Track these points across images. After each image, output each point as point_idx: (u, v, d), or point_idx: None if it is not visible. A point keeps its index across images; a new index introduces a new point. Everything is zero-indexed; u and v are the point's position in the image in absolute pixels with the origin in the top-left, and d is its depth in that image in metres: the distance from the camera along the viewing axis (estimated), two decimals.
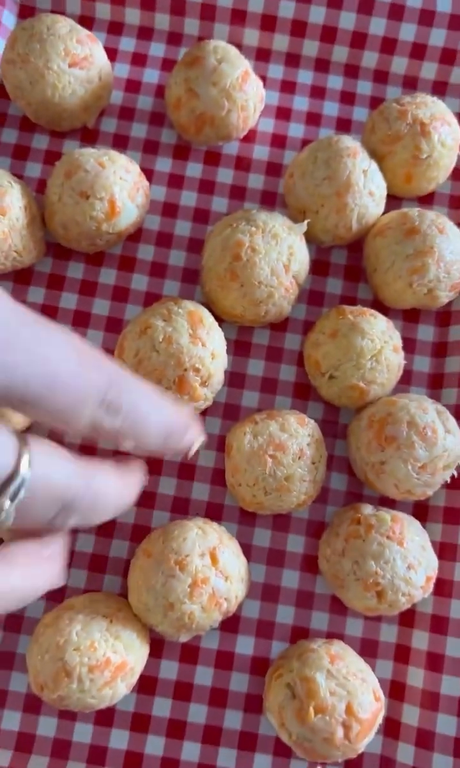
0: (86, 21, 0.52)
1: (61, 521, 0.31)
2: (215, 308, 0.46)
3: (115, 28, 0.52)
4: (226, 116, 0.47)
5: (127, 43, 0.52)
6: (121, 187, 0.44)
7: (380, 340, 0.44)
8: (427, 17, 0.51)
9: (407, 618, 0.45)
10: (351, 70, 0.53)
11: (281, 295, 0.44)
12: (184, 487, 0.46)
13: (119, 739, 0.42)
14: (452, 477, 0.44)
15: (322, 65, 0.53)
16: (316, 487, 0.43)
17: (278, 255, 0.43)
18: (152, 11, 0.52)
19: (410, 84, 0.53)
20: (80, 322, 0.47)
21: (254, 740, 0.43)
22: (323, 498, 0.46)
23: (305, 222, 0.45)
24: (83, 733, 0.42)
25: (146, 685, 0.43)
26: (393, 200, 0.50)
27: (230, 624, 0.44)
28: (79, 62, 0.46)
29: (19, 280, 0.48)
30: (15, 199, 0.43)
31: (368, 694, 0.39)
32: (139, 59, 0.52)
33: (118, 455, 0.35)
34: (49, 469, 0.29)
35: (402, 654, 0.44)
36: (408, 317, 0.49)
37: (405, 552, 0.41)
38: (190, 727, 0.43)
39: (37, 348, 0.29)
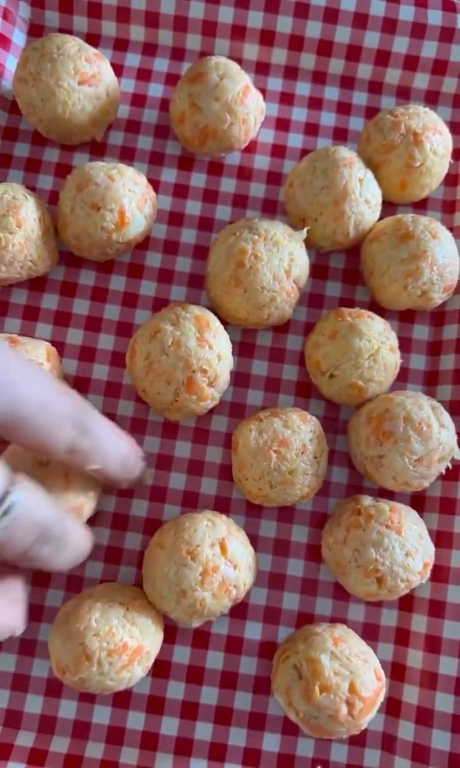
0: (93, 38, 0.54)
1: (36, 550, 0.34)
2: (221, 312, 0.48)
3: (121, 45, 0.54)
4: (228, 129, 0.49)
5: (133, 59, 0.54)
6: (130, 198, 0.46)
7: (377, 341, 0.46)
8: (418, 30, 0.53)
9: (406, 603, 0.46)
10: (347, 82, 0.55)
11: (282, 299, 0.46)
12: (193, 482, 0.48)
13: (136, 720, 0.44)
14: (447, 469, 0.45)
15: (319, 77, 0.55)
16: (318, 480, 0.45)
17: (280, 261, 0.45)
18: (156, 28, 0.54)
19: (404, 94, 0.55)
20: (92, 326, 0.49)
21: (263, 720, 0.45)
22: (325, 490, 0.48)
23: (305, 229, 0.47)
24: (102, 715, 0.44)
25: (161, 669, 0.45)
26: (389, 206, 0.52)
27: (239, 610, 0.46)
28: (87, 80, 0.48)
29: (34, 287, 0.50)
30: (30, 211, 0.45)
31: (370, 673, 0.41)
32: (144, 74, 0.54)
33: None
34: (32, 500, 0.33)
35: (402, 637, 0.46)
36: (404, 318, 0.51)
37: (403, 540, 0.42)
38: (203, 708, 0.45)
39: (31, 376, 0.34)
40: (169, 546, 0.41)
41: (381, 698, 0.42)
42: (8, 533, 0.32)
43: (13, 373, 0.33)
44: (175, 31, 0.54)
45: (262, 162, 0.53)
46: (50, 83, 0.47)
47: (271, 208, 0.53)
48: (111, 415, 0.48)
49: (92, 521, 0.45)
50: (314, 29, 0.53)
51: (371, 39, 0.53)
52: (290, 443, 0.44)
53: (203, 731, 0.45)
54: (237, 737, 0.45)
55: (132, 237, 0.47)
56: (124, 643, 0.40)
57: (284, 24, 0.53)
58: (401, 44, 0.53)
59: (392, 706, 0.45)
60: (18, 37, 0.53)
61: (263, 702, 0.45)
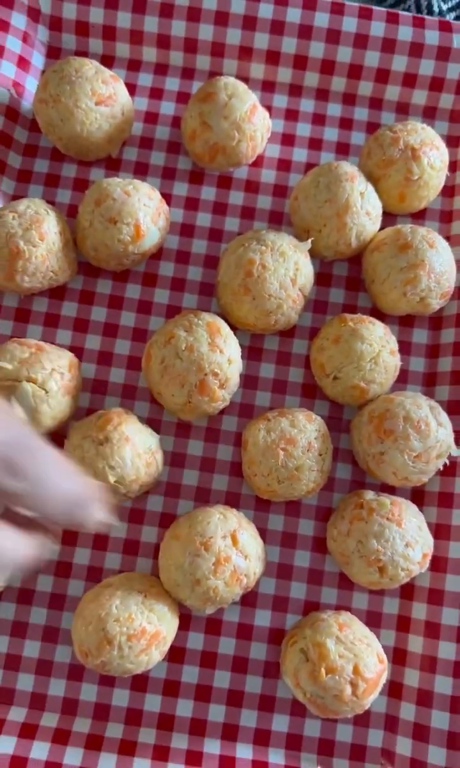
0: (108, 60, 0.57)
1: None
2: (230, 318, 0.50)
3: (134, 65, 0.57)
4: (236, 146, 0.51)
5: (145, 79, 0.57)
6: (144, 212, 0.48)
7: (378, 344, 0.48)
8: (416, 49, 0.55)
9: (407, 591, 0.49)
10: (349, 99, 0.57)
11: (288, 306, 0.48)
12: (205, 478, 0.50)
13: (153, 703, 0.47)
14: (445, 465, 0.48)
15: (322, 95, 0.57)
16: (323, 476, 0.47)
17: (286, 270, 0.48)
18: (167, 49, 0.56)
19: (403, 109, 0.57)
20: (109, 332, 0.52)
21: (272, 702, 0.47)
22: (329, 486, 0.50)
23: (309, 240, 0.50)
24: (121, 698, 0.47)
25: (176, 654, 0.47)
26: (389, 217, 0.54)
27: (249, 599, 0.48)
28: (104, 100, 0.50)
29: (55, 296, 0.52)
30: (51, 225, 0.48)
31: (373, 656, 0.43)
32: (156, 93, 0.57)
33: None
34: None
35: (403, 623, 0.48)
36: (404, 322, 0.53)
37: (403, 532, 0.45)
38: (216, 691, 0.47)
39: None
40: (184, 538, 0.44)
41: (383, 680, 0.44)
42: None
43: None
44: (186, 52, 0.56)
45: (268, 176, 0.56)
46: (69, 104, 0.49)
47: (277, 220, 0.55)
48: None
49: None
50: (317, 49, 0.55)
51: (372, 58, 0.55)
52: (296, 441, 0.46)
53: (216, 713, 0.47)
54: (248, 718, 0.47)
55: (147, 248, 0.50)
56: (142, 628, 0.42)
57: (289, 45, 0.55)
58: (399, 63, 0.55)
59: (394, 689, 0.47)
60: (37, 59, 0.56)
61: (273, 685, 0.47)
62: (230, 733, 0.46)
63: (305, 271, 0.49)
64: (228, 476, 0.50)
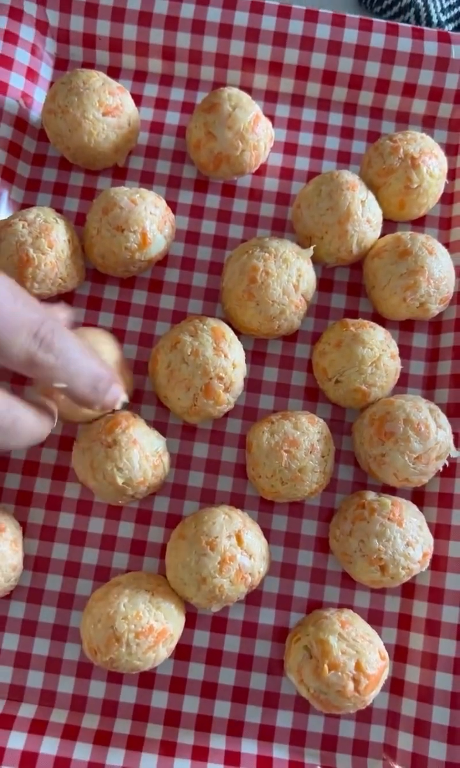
0: (114, 71, 0.58)
1: None
2: (234, 324, 0.51)
3: (140, 76, 0.58)
4: (240, 155, 0.52)
5: (151, 89, 0.58)
6: (151, 221, 0.49)
7: (379, 349, 0.49)
8: (415, 60, 0.56)
9: (408, 590, 0.49)
10: (350, 108, 0.58)
11: (291, 311, 0.49)
12: (210, 479, 0.51)
13: (160, 699, 0.47)
14: (444, 466, 0.48)
15: (324, 104, 0.58)
16: (326, 477, 0.48)
17: (289, 277, 0.49)
18: (172, 61, 0.57)
19: (403, 119, 0.58)
20: (116, 337, 0.52)
21: (276, 698, 0.48)
22: (331, 487, 0.51)
23: (312, 247, 0.50)
24: (129, 694, 0.47)
25: (182, 652, 0.48)
26: (389, 224, 0.55)
27: (254, 598, 0.49)
28: (111, 111, 0.51)
29: (63, 302, 0.53)
30: (60, 233, 0.49)
31: (375, 653, 0.44)
32: (161, 103, 0.58)
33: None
34: None
35: (404, 621, 0.49)
36: (404, 327, 0.54)
37: (404, 531, 0.45)
38: (221, 687, 0.48)
39: None
40: (190, 537, 0.45)
41: (385, 676, 0.45)
42: None
43: None
44: (191, 63, 0.58)
45: (271, 184, 0.57)
46: (77, 115, 0.51)
47: (280, 227, 0.56)
48: None
49: None
50: (318, 60, 0.57)
51: (372, 68, 0.57)
52: (299, 443, 0.47)
53: (222, 709, 0.48)
54: (253, 714, 0.48)
55: (153, 255, 0.51)
56: (150, 626, 0.43)
57: (291, 56, 0.56)
58: (399, 73, 0.57)
59: (395, 685, 0.48)
60: (45, 71, 0.57)
61: (277, 682, 0.48)
62: (235, 728, 0.47)
63: (308, 277, 0.50)
64: (233, 478, 0.51)
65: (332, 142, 0.58)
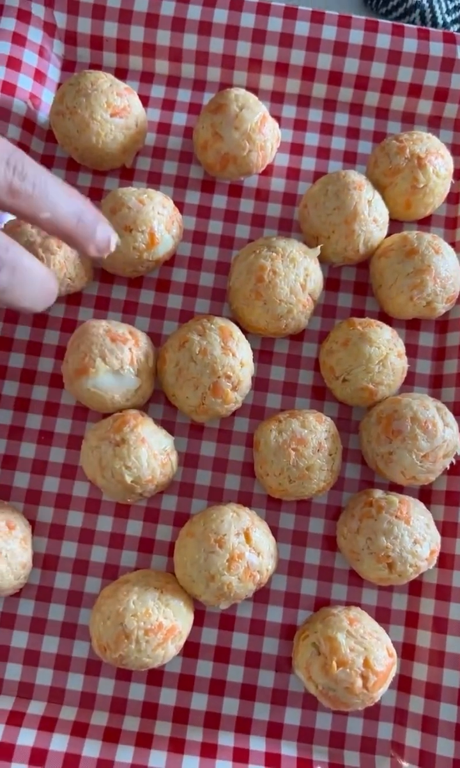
0: (121, 72, 0.58)
1: None
2: (242, 323, 0.51)
3: (147, 77, 0.59)
4: (247, 156, 0.53)
5: (158, 90, 0.58)
6: (158, 221, 0.50)
7: (386, 347, 0.49)
8: (421, 60, 0.56)
9: (416, 587, 0.50)
10: (356, 109, 0.59)
11: (299, 310, 0.49)
12: (218, 478, 0.51)
13: (168, 696, 0.48)
14: (452, 464, 0.49)
15: (330, 105, 0.59)
16: (333, 475, 0.48)
17: (296, 276, 0.49)
18: (179, 62, 0.58)
19: (409, 119, 0.59)
20: None
21: (284, 696, 0.48)
22: (339, 485, 0.51)
23: (319, 246, 0.51)
24: (138, 692, 0.48)
25: (191, 649, 0.48)
26: (395, 224, 0.55)
27: (262, 595, 0.49)
28: (118, 112, 0.52)
29: (71, 302, 0.54)
30: None
31: (383, 650, 0.44)
32: (168, 104, 0.58)
33: None
34: None
35: (412, 619, 0.49)
36: (410, 326, 0.55)
37: (411, 529, 0.46)
38: (229, 685, 0.48)
39: None
40: (199, 535, 0.45)
41: (393, 673, 0.45)
42: None
43: None
44: (197, 65, 0.58)
45: (278, 184, 0.57)
46: (85, 116, 0.51)
47: (286, 227, 0.56)
48: None
49: None
50: (324, 61, 0.57)
51: (378, 69, 0.57)
52: (307, 442, 0.47)
53: (230, 706, 0.48)
54: (261, 711, 0.48)
55: (161, 255, 0.51)
56: (159, 623, 0.43)
57: (297, 57, 0.57)
58: (405, 74, 0.57)
59: (403, 683, 0.48)
60: (53, 72, 0.58)
61: (285, 679, 0.48)
62: (243, 726, 0.48)
63: (315, 277, 0.50)
64: (240, 476, 0.51)
65: (339, 143, 0.58)
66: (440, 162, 0.52)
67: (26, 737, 0.45)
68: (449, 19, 0.62)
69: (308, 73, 0.58)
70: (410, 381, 0.53)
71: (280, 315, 0.49)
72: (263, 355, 0.54)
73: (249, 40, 0.57)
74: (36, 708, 0.47)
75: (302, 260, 0.49)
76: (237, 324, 0.50)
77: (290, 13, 0.56)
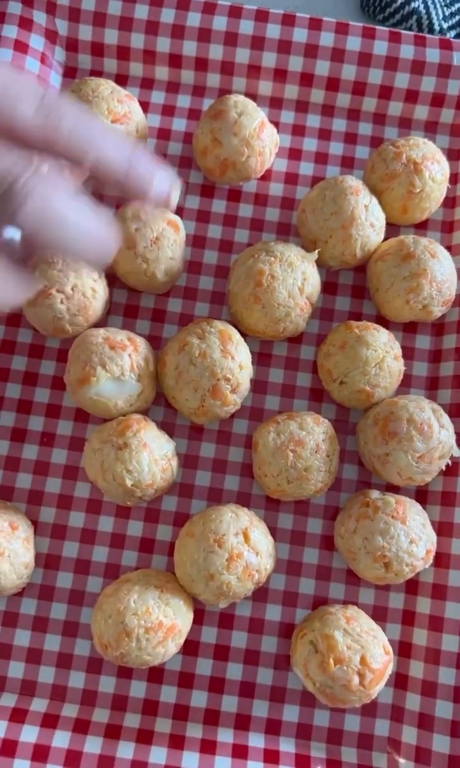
0: (122, 78, 0.59)
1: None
2: (241, 326, 0.52)
3: (147, 84, 0.59)
4: (246, 161, 0.53)
5: (158, 96, 0.59)
6: None
7: (383, 350, 0.49)
8: (418, 67, 0.57)
9: (412, 586, 0.50)
10: (353, 114, 0.59)
11: (296, 314, 0.50)
12: (217, 479, 0.52)
13: (169, 694, 0.48)
14: (447, 465, 0.49)
15: (328, 110, 0.59)
16: (331, 476, 0.49)
17: (294, 280, 0.49)
18: (179, 68, 0.58)
19: (405, 124, 0.59)
20: None
21: (283, 693, 0.49)
22: (336, 486, 0.52)
23: (316, 251, 0.51)
24: (138, 689, 0.48)
25: (190, 647, 0.49)
26: (392, 228, 0.56)
27: (260, 594, 0.50)
28: (120, 119, 0.52)
29: None
30: None
31: (379, 648, 0.45)
32: (168, 110, 0.59)
33: None
34: None
35: (408, 617, 0.50)
36: (407, 329, 0.55)
37: (407, 529, 0.46)
38: (228, 682, 0.49)
39: None
40: (198, 535, 0.46)
41: (389, 671, 0.46)
42: None
43: None
44: (197, 71, 0.58)
45: (276, 189, 0.58)
46: None
47: (285, 231, 0.57)
48: None
49: None
50: (322, 67, 0.57)
51: (375, 75, 0.57)
52: (305, 443, 0.47)
53: (229, 703, 0.48)
54: (260, 708, 0.48)
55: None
56: (159, 621, 0.44)
57: (296, 63, 0.57)
58: (402, 80, 0.57)
59: (399, 680, 0.49)
60: (54, 79, 0.58)
61: (283, 677, 0.49)
62: (242, 722, 0.48)
63: (312, 281, 0.51)
64: (239, 477, 0.52)
65: (336, 148, 0.59)
66: (436, 167, 0.53)
67: (29, 734, 0.46)
68: (445, 26, 0.63)
69: (306, 79, 0.58)
70: (406, 383, 0.54)
71: (278, 318, 0.50)
72: (261, 358, 0.54)
73: (248, 46, 0.57)
74: (38, 705, 0.48)
75: (299, 264, 0.50)
76: (236, 327, 0.51)
77: (289, 20, 0.57)
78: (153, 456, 0.47)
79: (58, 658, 0.49)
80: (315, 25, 0.57)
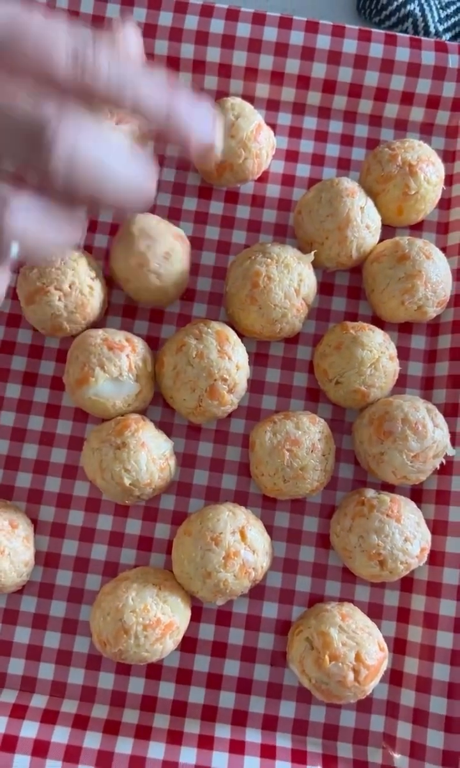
0: None
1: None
2: (238, 327, 0.52)
3: None
4: (243, 163, 0.54)
5: None
6: None
7: (378, 351, 0.50)
8: (414, 69, 0.57)
9: (407, 584, 0.51)
10: (350, 116, 0.59)
11: (293, 314, 0.50)
12: (215, 478, 0.52)
13: (167, 690, 0.49)
14: (442, 464, 0.50)
15: (324, 113, 0.59)
16: (326, 475, 0.49)
17: (290, 281, 0.50)
18: (177, 70, 0.59)
19: (401, 126, 0.59)
20: None
21: (279, 689, 0.49)
22: (332, 485, 0.52)
23: (312, 252, 0.52)
24: (137, 685, 0.49)
25: (188, 644, 0.49)
26: (388, 229, 0.56)
27: (257, 592, 0.50)
28: (121, 119, 0.53)
29: None
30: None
31: (374, 645, 0.45)
32: None
33: None
34: None
35: (403, 614, 0.50)
36: (402, 329, 0.55)
37: (402, 527, 0.47)
38: (226, 679, 0.49)
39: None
40: (196, 533, 0.46)
41: (384, 667, 0.46)
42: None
43: None
44: (194, 73, 0.59)
45: (273, 191, 0.58)
46: None
47: (281, 232, 0.57)
48: None
49: None
50: (319, 70, 0.58)
51: (371, 77, 0.58)
52: (301, 443, 0.48)
53: (226, 699, 0.49)
54: (257, 704, 0.49)
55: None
56: (157, 618, 0.44)
57: (292, 65, 0.58)
58: (398, 82, 0.58)
59: (394, 677, 0.49)
60: None
61: (280, 673, 0.49)
62: (239, 718, 0.49)
63: (309, 282, 0.51)
64: (236, 476, 0.52)
65: (333, 150, 0.59)
66: (431, 169, 0.53)
67: (29, 729, 0.46)
68: (441, 28, 0.63)
69: (303, 82, 0.58)
70: (401, 383, 0.54)
71: (274, 319, 0.50)
72: (258, 358, 0.54)
73: (245, 49, 0.57)
74: (38, 701, 0.48)
75: (296, 266, 0.50)
76: (233, 328, 0.51)
77: (285, 23, 0.57)
78: (151, 455, 0.47)
79: (57, 655, 0.49)
80: (312, 27, 0.57)
